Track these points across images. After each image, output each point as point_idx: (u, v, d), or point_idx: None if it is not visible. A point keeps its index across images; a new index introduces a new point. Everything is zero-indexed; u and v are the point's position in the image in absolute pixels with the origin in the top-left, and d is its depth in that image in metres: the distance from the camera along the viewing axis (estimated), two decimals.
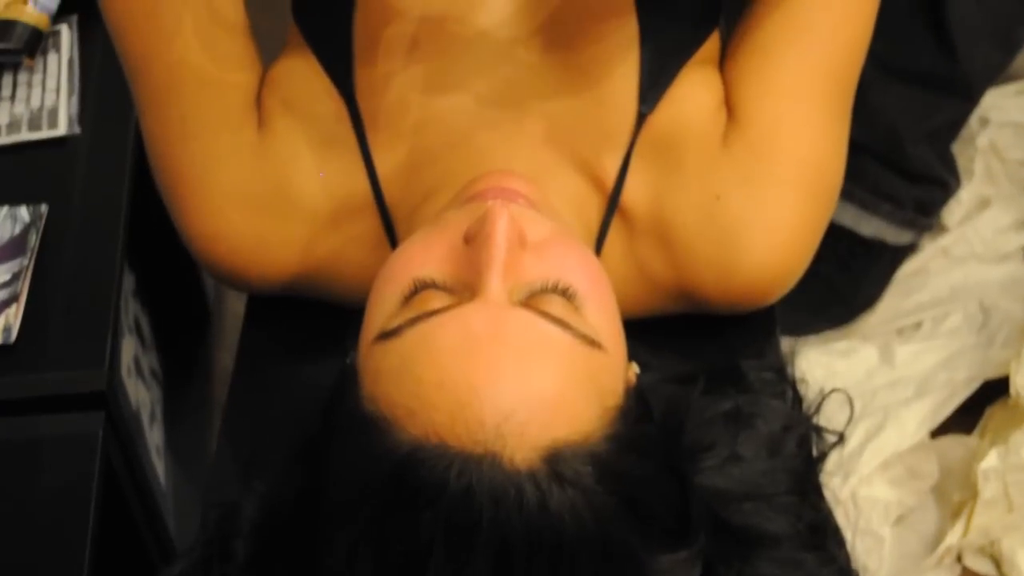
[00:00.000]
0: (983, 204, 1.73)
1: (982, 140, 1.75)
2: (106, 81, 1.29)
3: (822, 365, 1.59)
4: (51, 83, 1.29)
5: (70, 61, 1.31)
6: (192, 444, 1.58)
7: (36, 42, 1.29)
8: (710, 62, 0.99)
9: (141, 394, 1.40)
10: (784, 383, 0.97)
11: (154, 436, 1.42)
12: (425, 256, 0.81)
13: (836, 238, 1.61)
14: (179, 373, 1.61)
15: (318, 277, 1.00)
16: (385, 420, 0.72)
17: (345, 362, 0.83)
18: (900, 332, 1.68)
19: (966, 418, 1.57)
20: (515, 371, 0.72)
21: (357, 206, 0.97)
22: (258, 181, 0.96)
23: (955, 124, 1.64)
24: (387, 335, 0.77)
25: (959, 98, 1.60)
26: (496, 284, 0.77)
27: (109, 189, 1.23)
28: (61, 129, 1.25)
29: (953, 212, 1.71)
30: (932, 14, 1.50)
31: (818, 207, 0.97)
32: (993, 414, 1.54)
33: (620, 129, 0.95)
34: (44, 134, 1.25)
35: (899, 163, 1.60)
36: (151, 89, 0.97)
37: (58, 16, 1.33)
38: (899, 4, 1.45)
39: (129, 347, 1.37)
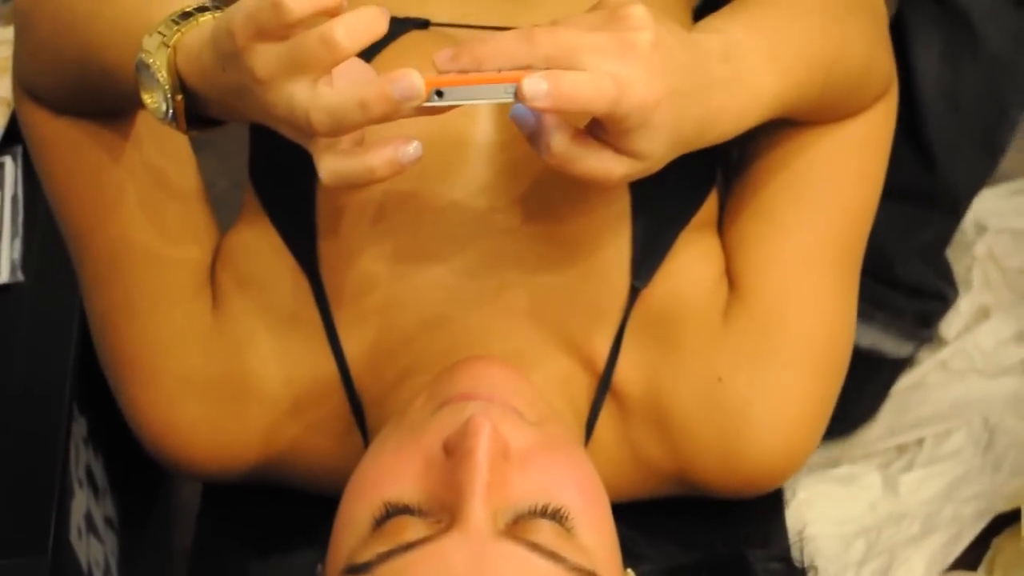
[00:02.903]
0: (982, 315, 1.65)
1: (980, 248, 1.68)
2: (53, 221, 1.20)
3: (822, 494, 1.51)
4: None
5: (14, 198, 1.22)
6: None
7: None
8: (708, 226, 0.91)
9: (94, 550, 1.30)
10: (793, 574, 0.89)
11: None
12: (398, 472, 0.73)
13: None
14: (136, 513, 1.51)
15: (281, 467, 0.92)
16: None
17: None
18: (901, 450, 1.60)
19: (970, 551, 1.49)
20: None
21: (322, 391, 0.89)
22: (213, 366, 0.88)
23: (943, 237, 1.58)
24: (357, 570, 0.69)
25: (944, 211, 1.54)
26: (479, 510, 0.68)
27: (55, 343, 1.14)
28: (3, 276, 1.16)
29: (951, 323, 1.63)
30: (910, 130, 1.45)
31: (827, 385, 0.90)
32: (1002, 547, 1.46)
33: (611, 305, 0.87)
34: None
35: (892, 281, 1.54)
36: (94, 265, 0.89)
37: (1, 148, 1.24)
38: None
39: (80, 504, 1.27)
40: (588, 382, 0.88)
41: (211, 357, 0.88)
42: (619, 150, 0.71)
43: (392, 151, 0.68)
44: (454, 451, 0.71)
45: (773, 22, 0.81)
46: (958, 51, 1.41)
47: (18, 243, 1.18)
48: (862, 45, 0.88)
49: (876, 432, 1.61)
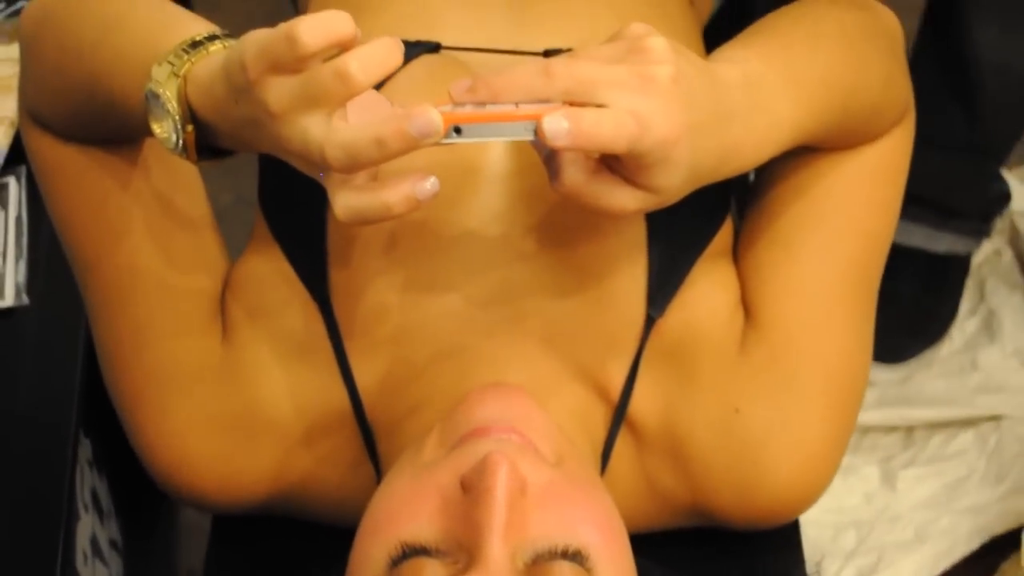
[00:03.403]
0: None
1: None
2: (57, 242, 1.19)
3: None
4: None
5: (17, 219, 1.20)
6: None
7: None
8: (723, 254, 0.90)
9: (99, 575, 1.29)
10: None
11: None
12: (415, 510, 0.72)
13: (912, 258, 1.64)
14: (141, 534, 1.50)
15: (292, 499, 0.90)
16: None
17: None
18: (906, 444, 1.60)
19: (964, 571, 1.49)
20: None
21: (334, 422, 0.87)
22: (223, 399, 0.87)
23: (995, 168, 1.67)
24: None
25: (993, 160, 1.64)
26: (497, 550, 0.67)
27: (61, 367, 1.12)
28: (7, 300, 1.14)
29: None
30: (961, 96, 1.53)
31: (845, 415, 0.88)
32: (1006, 572, 1.44)
33: (627, 334, 0.85)
34: None
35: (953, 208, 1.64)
36: (101, 294, 0.88)
37: (4, 168, 1.22)
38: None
39: (85, 528, 1.26)
40: (603, 412, 0.86)
41: (221, 389, 0.87)
42: (636, 184, 0.70)
43: (409, 187, 0.66)
44: (471, 489, 0.70)
45: (791, 50, 0.80)
46: (1016, 27, 1.47)
47: (22, 265, 1.17)
48: (880, 71, 0.87)
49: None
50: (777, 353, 0.86)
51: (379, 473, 0.87)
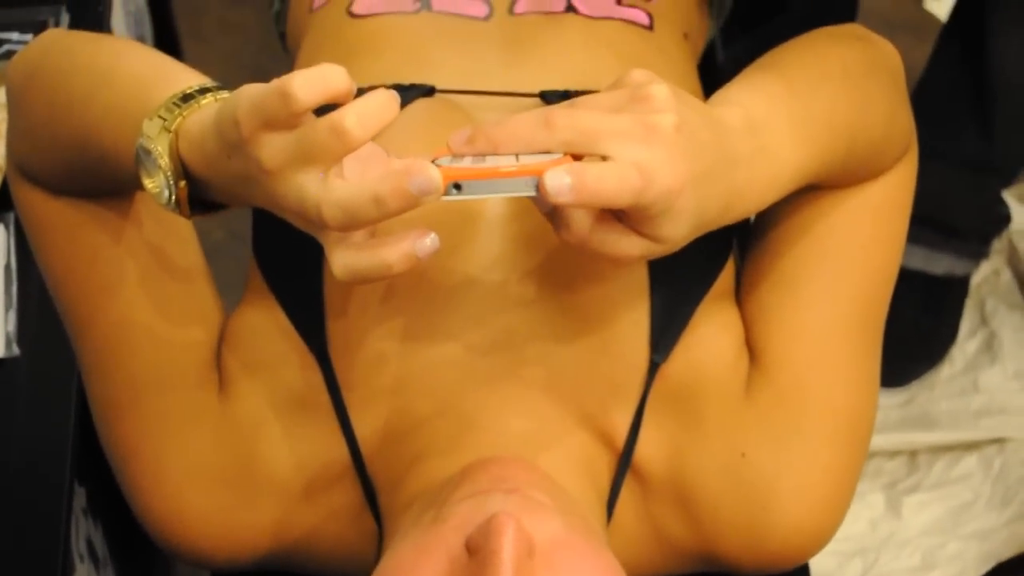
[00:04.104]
0: None
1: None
2: (47, 291, 1.17)
3: None
4: None
5: (7, 268, 1.18)
6: None
7: None
8: (726, 295, 0.88)
9: None
10: None
11: None
12: (421, 574, 0.70)
13: (910, 280, 1.62)
14: None
15: (292, 553, 0.88)
16: None
17: None
18: (910, 469, 1.58)
19: None
20: None
21: (334, 476, 0.86)
22: (221, 454, 0.85)
23: (1000, 189, 1.67)
24: None
25: (1004, 177, 1.64)
26: None
27: (54, 420, 1.10)
28: None
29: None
30: (978, 110, 1.53)
31: (853, 458, 0.87)
32: None
33: (630, 380, 0.84)
34: None
35: (954, 226, 1.64)
36: (94, 349, 0.86)
37: None
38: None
39: None
40: (608, 459, 0.85)
41: (219, 444, 0.85)
42: (640, 233, 0.69)
43: (409, 245, 0.65)
44: (477, 551, 0.68)
45: (795, 91, 0.79)
46: None
47: (12, 315, 1.15)
48: (883, 108, 0.86)
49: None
50: (783, 396, 0.84)
51: (380, 526, 0.85)
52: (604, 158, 0.66)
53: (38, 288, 1.17)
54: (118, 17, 1.59)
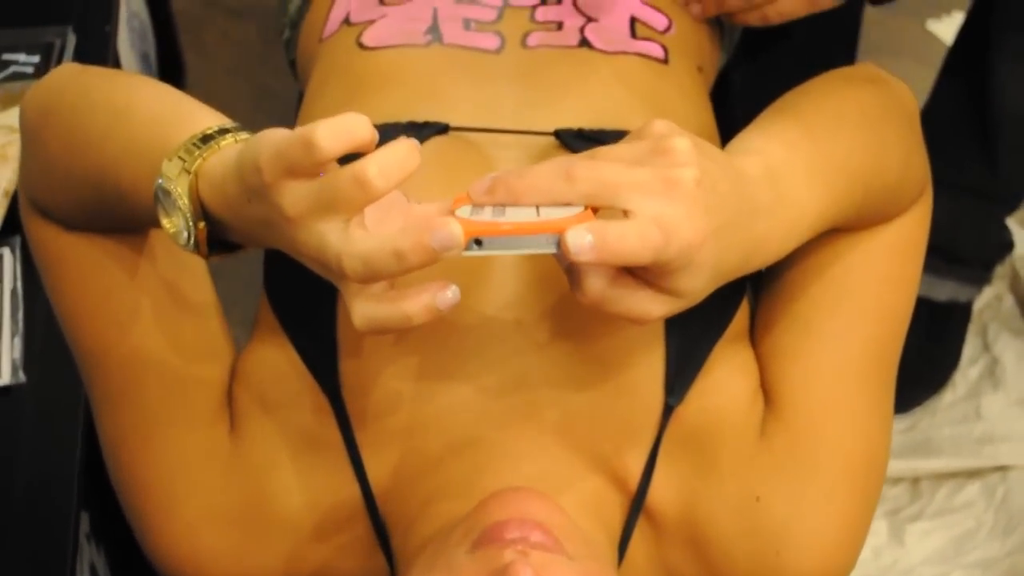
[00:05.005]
0: None
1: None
2: (54, 316, 1.17)
3: None
4: None
5: (13, 292, 1.18)
6: None
7: None
8: (740, 337, 0.88)
9: None
10: None
11: None
12: None
13: (915, 307, 1.61)
14: None
15: None
16: None
17: None
18: (913, 496, 1.58)
19: None
20: None
21: (346, 515, 0.85)
22: (233, 493, 0.85)
23: (1003, 217, 1.67)
24: None
25: (1006, 205, 1.64)
26: None
27: (60, 448, 1.09)
28: (4, 378, 1.12)
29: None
30: (981, 140, 1.52)
31: (866, 500, 0.87)
32: None
33: (644, 423, 0.84)
34: None
35: (957, 253, 1.63)
36: (106, 385, 0.86)
37: None
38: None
39: None
40: (621, 502, 0.85)
41: (231, 483, 0.85)
42: (659, 289, 0.68)
43: (430, 297, 0.65)
44: None
45: (813, 137, 0.79)
46: None
47: (18, 341, 1.14)
48: (899, 152, 0.86)
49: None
50: (798, 439, 0.84)
51: (392, 567, 0.85)
52: (625, 211, 0.66)
53: (44, 314, 1.16)
54: (123, 35, 1.58)
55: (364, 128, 0.64)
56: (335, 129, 0.63)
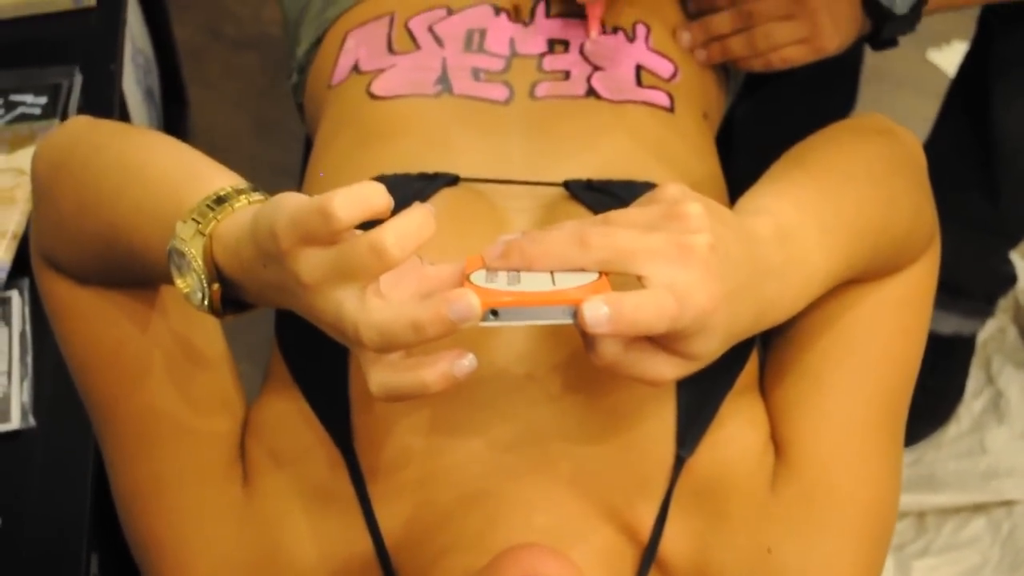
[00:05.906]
0: None
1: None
2: (63, 360, 1.17)
3: None
4: (1, 365, 1.16)
5: (22, 335, 1.18)
6: None
7: None
8: (750, 388, 0.89)
9: None
10: None
11: None
12: None
13: None
14: None
15: None
16: None
17: None
18: (919, 531, 1.58)
19: None
20: None
21: (358, 569, 0.85)
22: (246, 547, 0.85)
23: (1006, 250, 1.68)
24: None
25: (1009, 238, 1.64)
26: None
27: (70, 490, 1.09)
28: (14, 422, 1.12)
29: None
30: (984, 175, 1.53)
31: (877, 551, 0.87)
32: None
33: (656, 475, 0.84)
34: None
35: (960, 286, 1.64)
36: (119, 439, 0.86)
37: (7, 282, 1.19)
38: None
39: None
40: (633, 554, 0.85)
41: (244, 537, 0.85)
42: (672, 352, 0.69)
43: (447, 366, 0.65)
44: None
45: (823, 195, 0.79)
46: None
47: (27, 385, 1.14)
48: (908, 205, 0.86)
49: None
50: (809, 491, 0.85)
51: None
52: (639, 277, 0.67)
53: (53, 356, 1.17)
54: (128, 72, 1.59)
55: (381, 197, 0.64)
56: (352, 199, 0.63)
